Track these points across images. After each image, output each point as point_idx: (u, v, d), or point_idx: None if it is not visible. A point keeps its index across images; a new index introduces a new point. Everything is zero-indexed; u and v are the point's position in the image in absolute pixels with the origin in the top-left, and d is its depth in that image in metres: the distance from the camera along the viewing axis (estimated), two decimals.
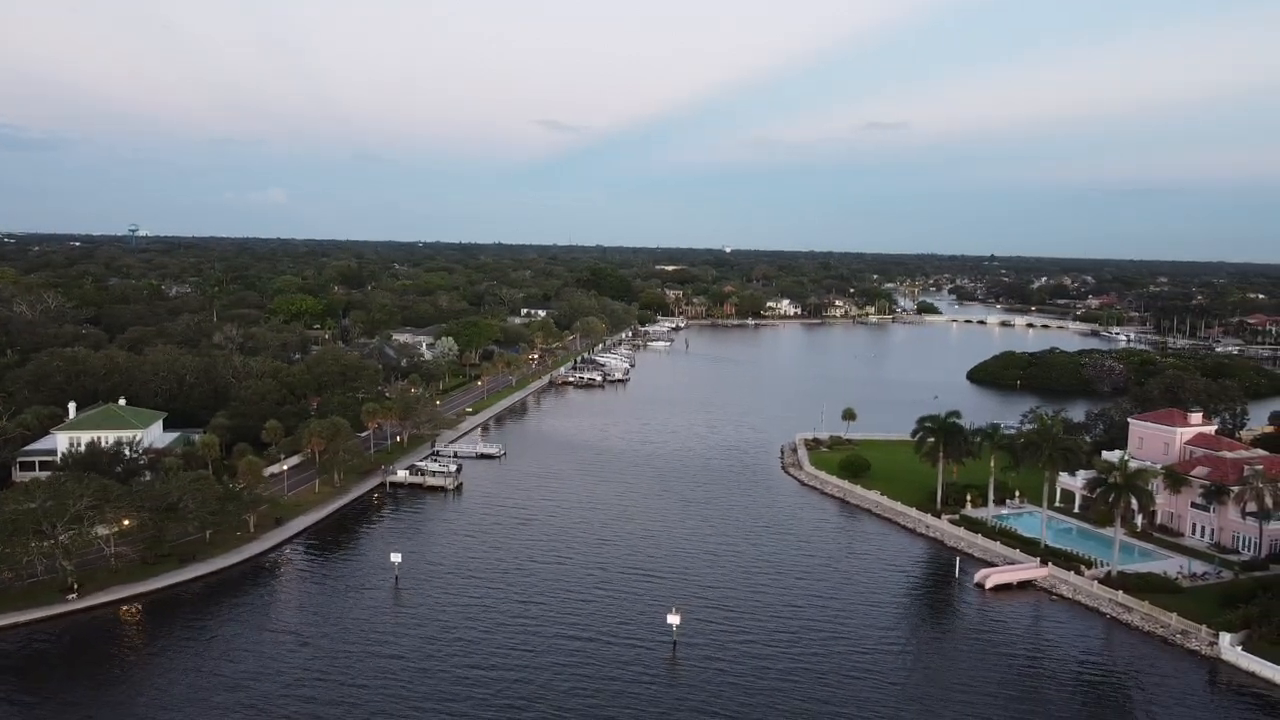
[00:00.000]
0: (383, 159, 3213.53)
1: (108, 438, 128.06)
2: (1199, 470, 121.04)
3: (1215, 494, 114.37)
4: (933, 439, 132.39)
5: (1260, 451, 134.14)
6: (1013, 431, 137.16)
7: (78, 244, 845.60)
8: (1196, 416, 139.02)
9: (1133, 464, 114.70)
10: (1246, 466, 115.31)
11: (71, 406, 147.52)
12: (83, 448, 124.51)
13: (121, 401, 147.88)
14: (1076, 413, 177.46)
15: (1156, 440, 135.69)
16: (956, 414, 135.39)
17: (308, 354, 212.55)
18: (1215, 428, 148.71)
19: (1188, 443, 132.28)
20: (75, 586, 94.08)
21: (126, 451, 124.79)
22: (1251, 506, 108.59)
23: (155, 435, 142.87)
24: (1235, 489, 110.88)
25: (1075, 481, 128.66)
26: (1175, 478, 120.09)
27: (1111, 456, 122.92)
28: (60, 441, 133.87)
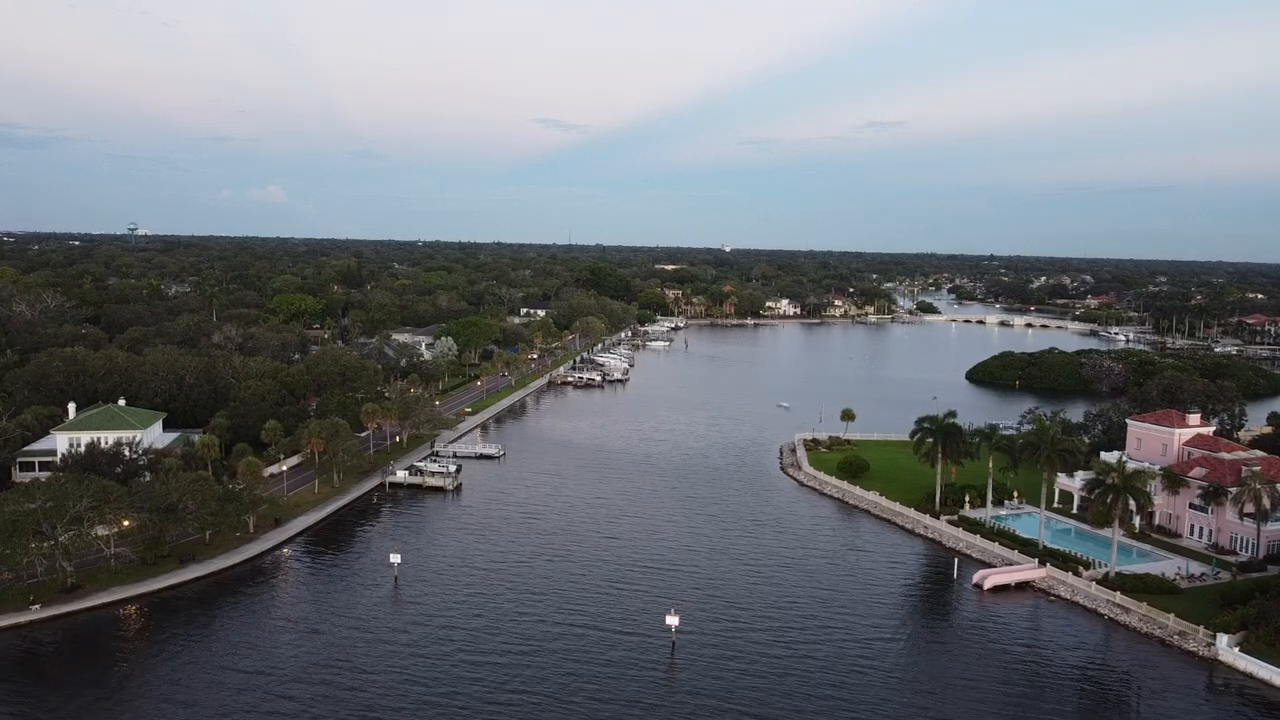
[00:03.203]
0: (382, 158, 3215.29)
1: (107, 438, 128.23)
2: (1197, 471, 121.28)
3: (1213, 495, 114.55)
4: (931, 439, 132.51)
5: (1258, 452, 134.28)
6: (1011, 432, 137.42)
7: (77, 243, 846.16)
8: (1195, 417, 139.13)
9: (1131, 465, 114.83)
10: (1244, 467, 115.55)
11: (71, 407, 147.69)
12: (82, 448, 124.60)
13: (121, 402, 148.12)
14: (1075, 413, 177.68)
15: (1155, 441, 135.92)
16: (954, 414, 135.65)
17: (307, 354, 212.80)
18: (1213, 429, 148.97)
19: (1186, 444, 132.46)
20: (32, 598, 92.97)
21: (126, 452, 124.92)
22: (1249, 508, 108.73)
23: (155, 435, 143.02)
24: (1233, 490, 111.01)
25: (1073, 482, 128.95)
26: (1173, 479, 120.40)
27: (1110, 457, 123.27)
28: (60, 442, 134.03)
